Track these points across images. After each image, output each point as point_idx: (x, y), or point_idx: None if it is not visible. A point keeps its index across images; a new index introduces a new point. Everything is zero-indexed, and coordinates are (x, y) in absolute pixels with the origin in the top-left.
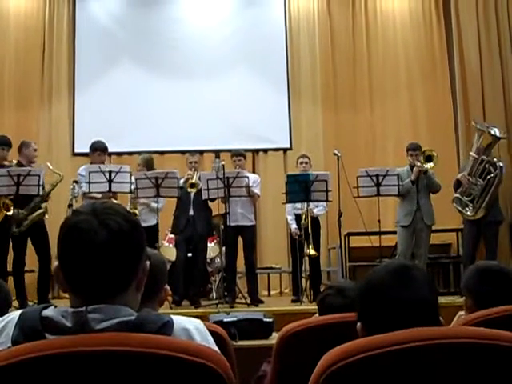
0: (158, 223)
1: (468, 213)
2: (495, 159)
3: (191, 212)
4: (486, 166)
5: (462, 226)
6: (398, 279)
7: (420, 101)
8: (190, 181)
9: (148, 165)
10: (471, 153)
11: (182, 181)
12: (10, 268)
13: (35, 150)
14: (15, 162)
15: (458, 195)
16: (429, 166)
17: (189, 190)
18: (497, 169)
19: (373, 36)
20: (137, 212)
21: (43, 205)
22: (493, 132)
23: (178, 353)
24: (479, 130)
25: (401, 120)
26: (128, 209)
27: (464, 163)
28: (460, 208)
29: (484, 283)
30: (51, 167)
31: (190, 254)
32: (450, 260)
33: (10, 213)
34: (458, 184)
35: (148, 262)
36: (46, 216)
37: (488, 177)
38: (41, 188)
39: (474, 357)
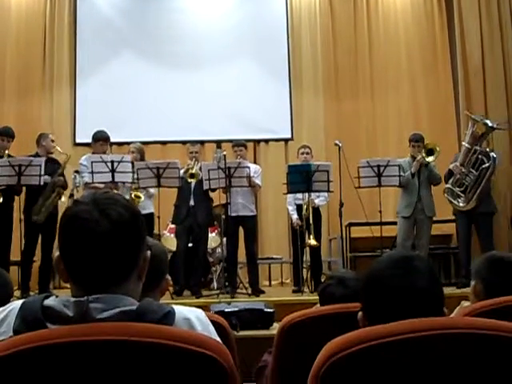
0: (153, 212)
1: (460, 204)
2: (488, 149)
3: (192, 202)
4: (479, 156)
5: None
6: (399, 270)
7: (421, 92)
8: (189, 171)
9: (141, 153)
10: (463, 143)
11: (182, 171)
12: (14, 257)
13: (53, 140)
14: (7, 152)
15: (449, 186)
16: (429, 159)
17: (188, 180)
18: (490, 159)
19: (374, 26)
20: (140, 194)
21: (57, 189)
22: (486, 122)
23: (179, 343)
24: (473, 119)
25: (402, 111)
26: (130, 195)
27: (457, 154)
28: (451, 199)
29: (495, 272)
30: (59, 149)
31: (190, 244)
32: (451, 251)
33: None
34: (449, 174)
35: (149, 252)
36: (63, 199)
37: (481, 167)
38: (42, 178)
39: (475, 347)
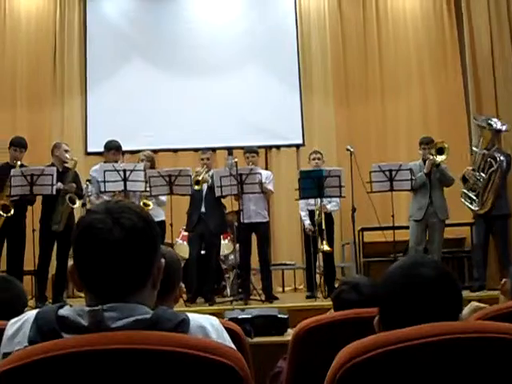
0: (164, 220)
1: (475, 207)
2: (495, 153)
3: (203, 209)
4: (488, 159)
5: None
6: (407, 277)
7: (432, 94)
8: (195, 177)
9: (152, 161)
10: (473, 148)
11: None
12: (28, 267)
13: (66, 150)
14: (19, 163)
15: (465, 190)
16: (440, 158)
17: (194, 187)
18: (497, 162)
19: (384, 29)
20: (149, 202)
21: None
22: (492, 125)
23: (195, 350)
24: (479, 126)
25: (413, 114)
26: (139, 202)
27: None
28: (467, 203)
29: None
30: (67, 155)
31: (203, 252)
32: (464, 254)
33: (8, 215)
34: (464, 179)
35: (163, 260)
36: (77, 204)
37: (490, 170)
38: (54, 187)
39: (490, 351)
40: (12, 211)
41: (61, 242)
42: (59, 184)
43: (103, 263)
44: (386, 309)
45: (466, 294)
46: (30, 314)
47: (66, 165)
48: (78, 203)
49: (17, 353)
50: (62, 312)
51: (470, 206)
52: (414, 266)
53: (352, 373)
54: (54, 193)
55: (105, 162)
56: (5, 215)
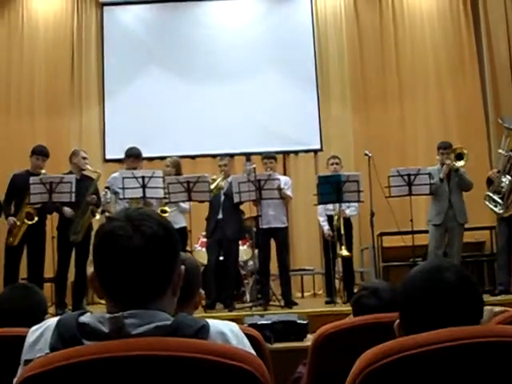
0: (186, 226)
1: (499, 210)
2: None
3: (220, 215)
4: None
5: (496, 223)
6: (429, 281)
7: (450, 98)
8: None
9: (177, 167)
10: (499, 150)
11: None
12: (47, 274)
13: (84, 158)
14: (43, 171)
15: (489, 193)
16: (459, 164)
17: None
18: None
19: (401, 34)
20: (166, 209)
21: (90, 208)
22: None
23: (216, 357)
24: (506, 128)
25: (431, 118)
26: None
27: (498, 161)
28: (492, 206)
29: None
30: (89, 167)
31: (221, 258)
32: (484, 258)
33: (32, 222)
34: (489, 181)
35: (183, 267)
36: (97, 217)
37: None
38: (73, 195)
39: (510, 355)
40: (36, 219)
41: (79, 250)
42: (93, 197)
43: (123, 270)
44: (407, 313)
45: (485, 298)
46: (51, 321)
47: (85, 173)
48: (98, 215)
49: (38, 359)
50: (82, 319)
51: (494, 208)
52: (436, 270)
53: (372, 378)
54: (73, 200)
55: (126, 169)
56: (29, 223)
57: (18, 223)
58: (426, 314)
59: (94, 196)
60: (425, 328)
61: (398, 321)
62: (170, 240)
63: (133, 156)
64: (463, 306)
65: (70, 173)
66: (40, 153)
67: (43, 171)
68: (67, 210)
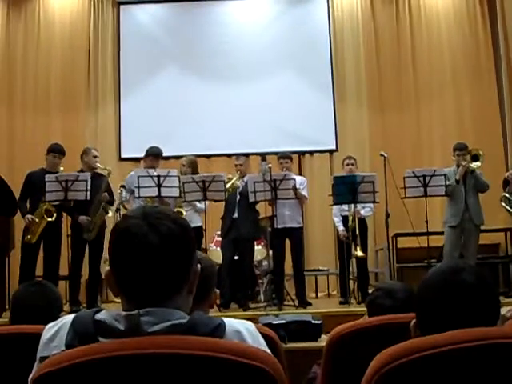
0: (202, 225)
1: None
2: None
3: (235, 215)
4: None
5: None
6: (447, 283)
7: (466, 100)
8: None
9: (193, 166)
10: None
11: None
12: (62, 272)
13: (95, 156)
14: (62, 169)
15: (506, 194)
16: (475, 165)
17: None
18: None
19: (417, 35)
20: (182, 211)
21: (103, 205)
22: None
23: (231, 355)
24: None
25: (447, 120)
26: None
27: None
28: (508, 207)
29: None
30: (99, 165)
31: (236, 257)
32: (499, 260)
33: (51, 219)
34: (505, 183)
35: (199, 266)
36: (110, 214)
37: None
38: (88, 193)
39: None
40: (55, 216)
41: (93, 247)
42: (105, 194)
43: (139, 268)
44: (425, 313)
45: (501, 299)
46: (67, 319)
47: (97, 171)
48: (111, 213)
49: (54, 356)
50: (98, 316)
51: (511, 210)
52: (455, 271)
53: (387, 379)
54: (89, 198)
55: (144, 168)
56: (49, 219)
57: (37, 220)
58: (443, 314)
59: (105, 194)
60: (442, 328)
61: (414, 321)
62: (186, 238)
63: (152, 155)
64: (481, 307)
65: (81, 171)
66: (58, 151)
67: (61, 169)
68: (83, 218)
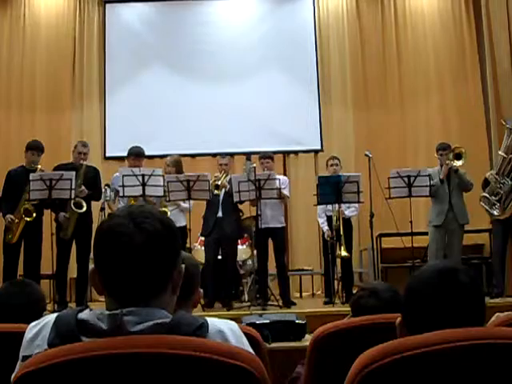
0: (186, 225)
1: (495, 212)
2: None
3: (220, 214)
4: None
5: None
6: (444, 283)
7: (451, 101)
8: (215, 182)
9: (178, 166)
10: (500, 152)
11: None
12: (45, 271)
13: (79, 152)
14: (39, 167)
15: (485, 194)
16: (458, 163)
17: (214, 191)
18: None
19: (402, 35)
20: (167, 210)
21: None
22: None
23: (213, 355)
24: (509, 128)
25: (432, 120)
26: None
27: (496, 163)
28: (487, 207)
29: None
30: (85, 162)
31: (220, 257)
32: (483, 261)
33: (30, 219)
34: (485, 183)
35: (183, 265)
36: (83, 209)
37: None
38: (73, 192)
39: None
40: (34, 215)
41: (80, 246)
42: (82, 189)
43: (124, 267)
44: (415, 311)
45: (486, 301)
46: (50, 318)
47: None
48: (85, 208)
49: (36, 356)
50: (81, 316)
51: (490, 210)
52: (453, 271)
53: (370, 379)
54: (73, 197)
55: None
56: (28, 219)
57: (16, 220)
58: (434, 313)
59: (82, 189)
60: (429, 328)
61: (399, 319)
62: (170, 238)
63: (133, 154)
64: (472, 308)
65: (71, 163)
66: (36, 148)
67: (39, 166)
68: (61, 215)
